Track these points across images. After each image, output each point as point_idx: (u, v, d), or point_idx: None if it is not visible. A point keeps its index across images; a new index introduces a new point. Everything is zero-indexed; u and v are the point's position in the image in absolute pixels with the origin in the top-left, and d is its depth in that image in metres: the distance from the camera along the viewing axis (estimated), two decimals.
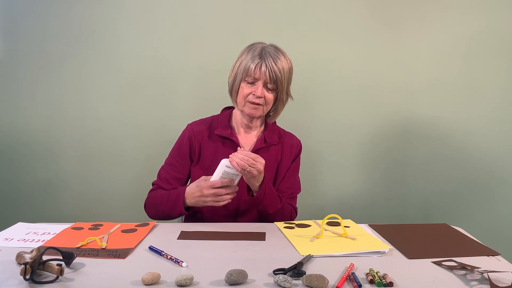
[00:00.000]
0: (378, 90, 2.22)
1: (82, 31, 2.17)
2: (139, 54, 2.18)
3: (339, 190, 2.28)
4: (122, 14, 2.16)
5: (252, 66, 1.33)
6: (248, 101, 1.37)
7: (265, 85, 1.36)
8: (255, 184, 1.32)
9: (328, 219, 1.24)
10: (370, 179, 2.27)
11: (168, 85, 2.20)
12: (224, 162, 1.26)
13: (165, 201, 1.38)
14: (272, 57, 1.34)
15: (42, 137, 2.23)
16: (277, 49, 1.39)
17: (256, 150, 1.43)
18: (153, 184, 1.50)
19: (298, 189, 1.52)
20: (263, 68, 1.33)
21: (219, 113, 1.53)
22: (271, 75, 1.33)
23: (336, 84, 2.21)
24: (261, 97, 1.36)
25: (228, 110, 1.52)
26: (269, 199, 1.35)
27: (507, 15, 2.18)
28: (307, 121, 2.22)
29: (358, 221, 1.37)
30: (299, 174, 1.56)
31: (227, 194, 1.28)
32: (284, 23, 2.17)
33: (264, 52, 1.35)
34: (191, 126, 1.49)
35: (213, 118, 1.51)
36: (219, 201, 1.29)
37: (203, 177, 1.32)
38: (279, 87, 1.37)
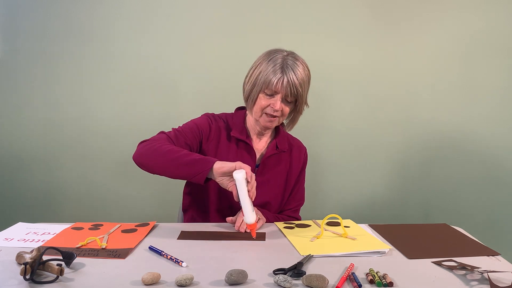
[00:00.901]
0: (378, 90, 2.22)
1: (82, 31, 2.17)
2: (139, 54, 2.18)
3: (339, 190, 2.28)
4: (122, 14, 2.16)
5: (274, 80, 1.28)
6: (265, 113, 1.34)
7: (284, 98, 1.32)
8: None
9: (328, 219, 1.24)
10: (370, 179, 2.27)
11: (168, 85, 2.20)
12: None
13: (184, 154, 1.23)
14: (293, 71, 1.28)
15: (41, 137, 2.23)
16: (296, 59, 1.32)
17: (268, 156, 1.43)
18: (161, 132, 1.37)
19: (302, 200, 1.53)
20: (285, 83, 1.28)
21: (233, 112, 1.50)
22: (293, 90, 1.29)
23: (336, 85, 2.21)
24: (280, 109, 1.33)
25: (242, 110, 1.49)
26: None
27: (507, 15, 2.18)
28: (307, 122, 2.21)
29: (358, 221, 1.37)
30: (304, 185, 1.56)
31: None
32: (285, 24, 2.17)
33: (285, 64, 1.29)
34: (213, 117, 1.45)
35: (227, 117, 1.47)
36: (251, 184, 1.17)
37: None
38: (299, 100, 1.34)
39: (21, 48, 2.18)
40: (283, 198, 1.47)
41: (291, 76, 1.28)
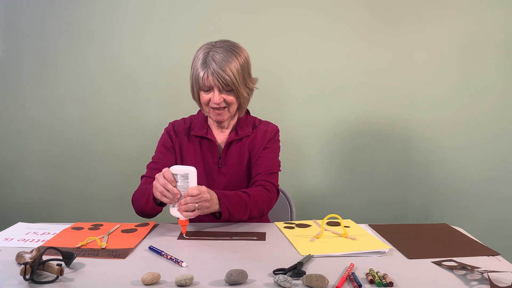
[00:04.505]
0: (377, 90, 2.22)
1: (81, 30, 2.17)
2: (139, 54, 2.18)
3: (340, 190, 2.28)
4: (121, 13, 2.16)
5: (201, 76, 1.31)
6: (211, 107, 1.37)
7: (220, 89, 1.33)
8: (214, 208, 1.24)
9: (328, 219, 1.24)
10: (370, 179, 2.27)
11: (168, 85, 2.20)
12: (192, 171, 1.18)
13: (142, 195, 1.31)
14: (216, 63, 1.29)
15: (42, 137, 2.23)
16: (225, 48, 1.32)
17: (228, 142, 1.43)
18: (141, 178, 1.44)
19: (274, 167, 1.45)
20: (210, 77, 1.29)
21: (196, 113, 1.53)
22: (221, 81, 1.30)
23: (335, 83, 2.21)
24: (221, 101, 1.34)
25: None
26: (238, 210, 1.29)
27: (507, 15, 2.18)
28: (307, 120, 2.22)
29: (358, 221, 1.37)
30: (279, 158, 1.51)
31: (167, 196, 1.18)
32: (283, 22, 2.18)
33: (208, 58, 1.30)
34: (172, 125, 1.51)
35: (192, 118, 1.52)
36: (162, 194, 1.18)
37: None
38: (234, 88, 1.33)
39: (21, 48, 2.18)
40: (249, 176, 1.46)
41: (215, 68, 1.29)
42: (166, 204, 1.25)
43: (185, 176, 1.17)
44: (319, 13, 2.18)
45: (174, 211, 1.20)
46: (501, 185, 2.27)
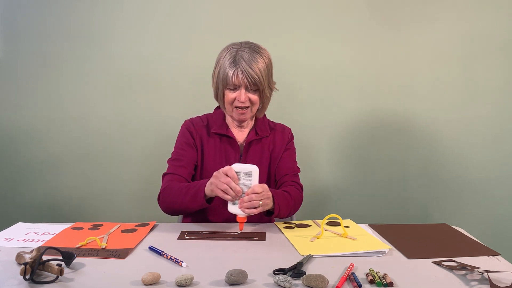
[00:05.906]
0: (377, 89, 2.22)
1: (81, 31, 2.17)
2: (139, 53, 2.18)
3: (339, 189, 2.27)
4: (122, 13, 2.16)
5: (230, 74, 1.34)
6: (235, 107, 1.39)
7: (247, 88, 1.36)
8: (271, 206, 1.27)
9: (328, 219, 1.25)
10: (370, 179, 2.27)
11: (168, 84, 2.20)
12: (255, 169, 1.20)
13: (185, 192, 1.30)
14: (246, 62, 1.33)
15: (41, 137, 2.23)
16: (251, 49, 1.37)
17: (249, 142, 1.46)
18: (164, 175, 1.42)
19: (295, 168, 1.52)
20: (240, 75, 1.33)
21: (213, 111, 1.54)
22: (249, 80, 1.33)
23: (336, 83, 2.21)
24: (246, 100, 1.37)
25: (221, 108, 1.53)
26: (284, 208, 1.32)
27: (507, 15, 2.18)
28: (307, 120, 2.22)
29: (358, 221, 1.38)
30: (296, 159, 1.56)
31: (229, 193, 1.20)
32: (284, 22, 2.17)
33: (238, 57, 1.34)
34: (190, 122, 1.51)
35: (208, 117, 1.53)
36: (225, 192, 1.19)
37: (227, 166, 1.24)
38: (260, 87, 1.37)
39: (21, 48, 2.18)
40: (270, 178, 1.48)
41: (245, 67, 1.33)
42: (213, 200, 1.28)
43: (248, 174, 1.19)
44: (322, 13, 2.17)
45: (234, 208, 1.21)
46: (501, 184, 2.27)
